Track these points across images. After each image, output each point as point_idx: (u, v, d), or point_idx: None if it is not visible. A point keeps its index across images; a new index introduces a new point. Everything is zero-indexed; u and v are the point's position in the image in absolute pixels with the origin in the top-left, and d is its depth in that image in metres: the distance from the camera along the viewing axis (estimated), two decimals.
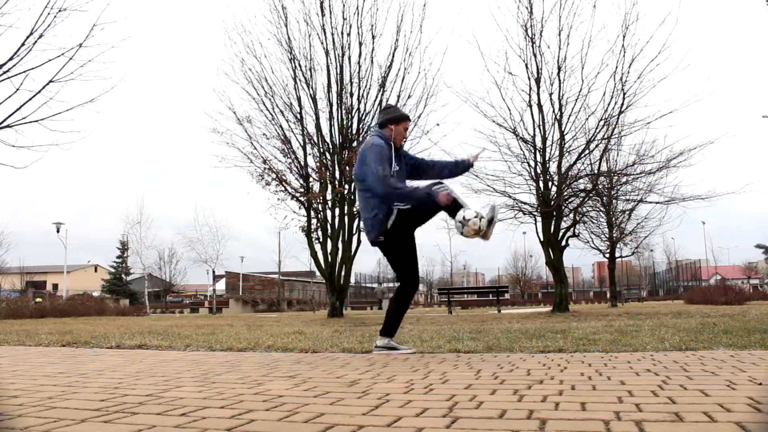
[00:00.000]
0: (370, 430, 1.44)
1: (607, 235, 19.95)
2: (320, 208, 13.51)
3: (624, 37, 11.63)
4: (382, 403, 1.82)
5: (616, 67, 11.71)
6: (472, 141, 22.21)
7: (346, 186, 13.42)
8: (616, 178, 14.70)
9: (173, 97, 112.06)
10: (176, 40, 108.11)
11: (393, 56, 13.43)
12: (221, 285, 44.57)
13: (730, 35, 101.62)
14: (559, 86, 12.20)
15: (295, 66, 13.39)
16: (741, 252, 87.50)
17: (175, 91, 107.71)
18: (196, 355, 3.74)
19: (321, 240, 13.52)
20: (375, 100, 13.55)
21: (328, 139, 13.53)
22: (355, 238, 13.72)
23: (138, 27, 70.13)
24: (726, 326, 4.95)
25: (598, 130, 12.17)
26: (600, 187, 14.01)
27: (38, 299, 23.66)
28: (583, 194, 13.33)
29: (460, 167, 3.97)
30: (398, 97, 13.45)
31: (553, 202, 12.26)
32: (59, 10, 8.89)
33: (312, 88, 13.47)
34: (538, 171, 12.41)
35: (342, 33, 13.26)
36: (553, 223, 12.71)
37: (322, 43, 13.33)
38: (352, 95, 13.47)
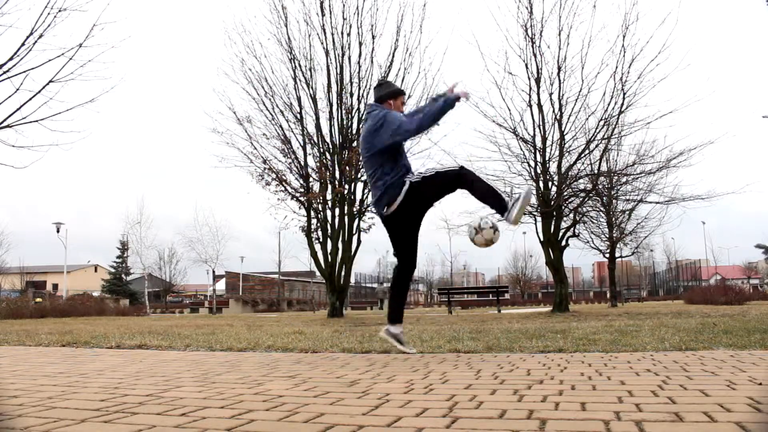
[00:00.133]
0: (370, 430, 1.44)
1: (607, 235, 19.95)
2: (320, 208, 13.51)
3: (624, 37, 11.64)
4: (382, 403, 1.82)
5: (616, 67, 11.73)
6: (472, 141, 22.19)
7: (346, 186, 13.42)
8: (616, 178, 14.70)
9: (173, 97, 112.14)
10: (176, 40, 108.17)
11: (393, 56, 13.44)
12: (221, 285, 44.57)
13: (730, 35, 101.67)
14: (559, 86, 12.21)
15: (295, 66, 13.40)
16: (741, 252, 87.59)
17: (175, 91, 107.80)
18: (196, 355, 3.74)
19: (321, 240, 13.52)
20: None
21: (328, 139, 13.53)
22: (355, 238, 13.72)
23: (138, 27, 70.16)
24: (726, 326, 4.95)
25: (598, 130, 12.17)
26: (600, 187, 14.02)
27: (38, 299, 23.65)
28: (583, 194, 13.33)
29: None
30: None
31: (553, 202, 12.26)
32: (59, 10, 8.90)
33: (312, 88, 13.48)
34: (538, 171, 12.41)
35: (342, 33, 13.26)
36: (553, 223, 12.71)
37: (322, 43, 13.35)
38: (352, 95, 13.47)
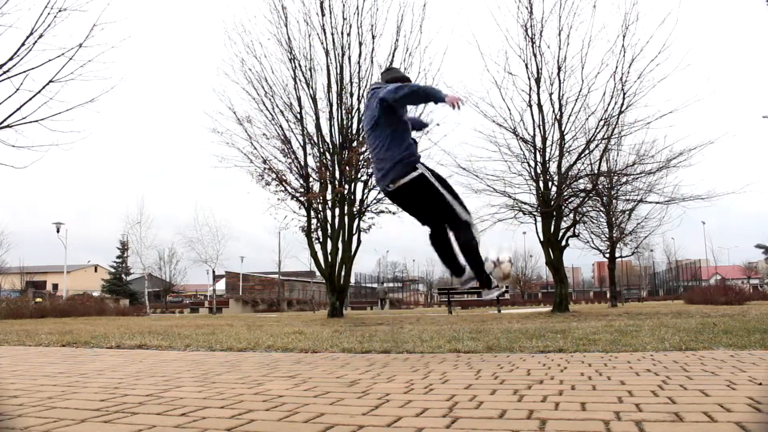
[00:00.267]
0: (370, 430, 1.44)
1: (607, 235, 19.94)
2: (320, 208, 13.51)
3: (624, 37, 11.63)
4: (382, 403, 1.82)
5: (616, 67, 11.72)
6: (472, 141, 22.18)
7: (346, 186, 13.42)
8: (616, 178, 14.70)
9: (173, 97, 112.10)
10: (176, 40, 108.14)
11: (393, 56, 13.44)
12: (221, 285, 44.58)
13: (730, 35, 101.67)
14: (559, 86, 12.20)
15: (295, 66, 13.40)
16: (741, 252, 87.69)
17: (175, 91, 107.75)
18: (196, 355, 3.74)
19: (321, 240, 13.52)
20: None
21: (328, 139, 13.53)
22: (355, 238, 13.72)
23: (138, 27, 70.17)
24: (726, 326, 4.95)
25: (598, 130, 12.17)
26: (600, 187, 14.01)
27: (38, 299, 23.66)
28: (583, 194, 13.33)
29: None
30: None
31: (553, 202, 12.26)
32: (59, 10, 8.90)
33: (312, 88, 13.48)
34: (538, 171, 12.41)
35: (342, 33, 13.27)
36: (553, 223, 12.71)
37: (322, 43, 13.35)
38: (352, 95, 13.48)
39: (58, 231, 30.45)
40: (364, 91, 13.44)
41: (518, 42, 12.57)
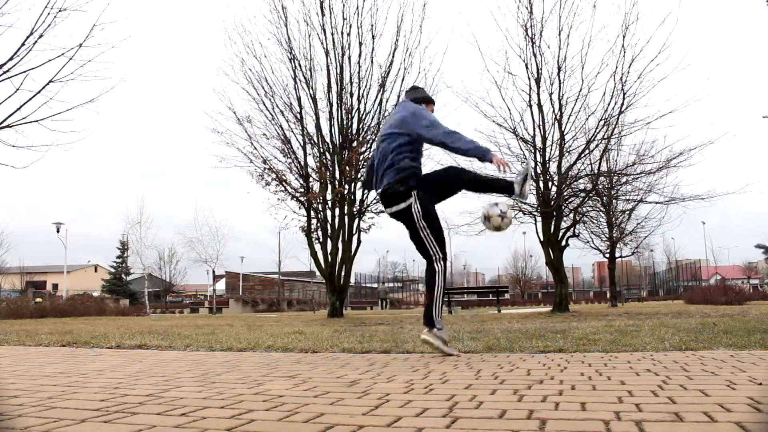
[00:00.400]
0: (370, 430, 1.44)
1: (607, 235, 19.94)
2: (320, 208, 13.51)
3: (624, 37, 11.62)
4: (382, 403, 1.82)
5: (616, 67, 11.72)
6: None
7: (346, 186, 13.42)
8: (616, 178, 14.70)
9: (173, 97, 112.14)
10: (176, 40, 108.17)
11: (393, 56, 13.44)
12: (221, 285, 44.57)
13: (730, 35, 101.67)
14: (559, 86, 12.20)
15: (295, 66, 13.40)
16: (741, 252, 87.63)
17: (175, 91, 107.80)
18: (196, 355, 3.74)
19: (321, 240, 13.52)
20: (375, 100, 13.56)
21: (328, 139, 13.53)
22: (355, 238, 13.72)
23: (138, 27, 70.16)
24: (726, 326, 4.95)
25: (598, 130, 12.17)
26: (600, 187, 14.01)
27: (38, 299, 23.65)
28: (583, 194, 13.33)
29: None
30: (398, 97, 13.45)
31: (553, 202, 12.25)
32: (59, 10, 8.90)
33: (312, 88, 13.47)
34: (538, 171, 12.40)
35: (342, 33, 13.26)
36: (553, 223, 12.70)
37: (322, 43, 13.34)
38: (352, 95, 13.47)
39: (58, 231, 30.47)
40: (364, 91, 13.46)
41: (518, 42, 12.59)
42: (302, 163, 13.51)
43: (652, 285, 51.76)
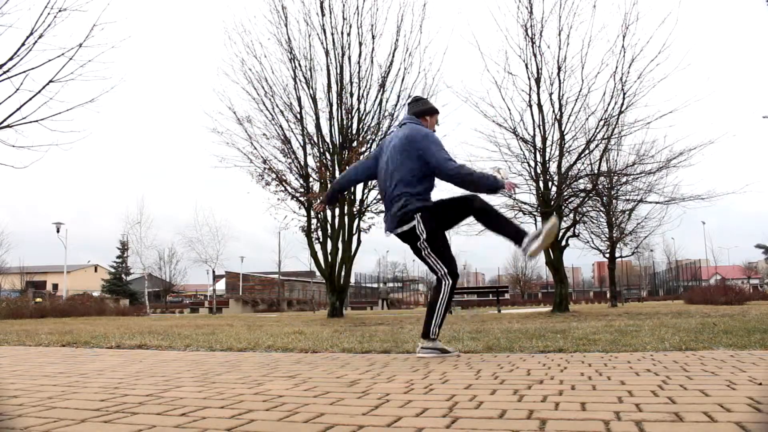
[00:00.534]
0: (370, 430, 1.44)
1: (607, 235, 19.95)
2: None
3: (624, 37, 11.63)
4: (382, 403, 1.82)
5: (616, 67, 11.72)
6: (472, 141, 22.21)
7: None
8: (616, 178, 14.70)
9: (173, 97, 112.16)
10: (176, 40, 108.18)
11: (393, 56, 13.45)
12: (221, 285, 44.56)
13: (730, 35, 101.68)
14: (559, 86, 12.21)
15: (295, 66, 13.40)
16: (741, 252, 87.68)
17: (175, 91, 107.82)
18: (196, 355, 3.74)
19: (321, 240, 13.52)
20: (375, 100, 13.57)
21: (328, 139, 13.53)
22: (355, 238, 13.72)
23: (138, 27, 70.15)
24: (726, 326, 4.95)
25: (598, 130, 12.17)
26: (600, 187, 14.02)
27: (38, 299, 23.65)
28: (583, 194, 13.33)
29: None
30: (398, 97, 13.47)
31: (553, 202, 12.25)
32: (59, 10, 8.91)
33: (312, 88, 13.48)
34: (538, 171, 12.41)
35: (342, 33, 13.26)
36: None
37: (322, 43, 13.35)
38: (352, 95, 13.47)
39: (58, 231, 30.45)
40: (364, 91, 13.46)
41: (518, 42, 12.59)
42: (302, 163, 13.51)
43: (652, 285, 51.77)
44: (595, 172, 13.34)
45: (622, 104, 11.78)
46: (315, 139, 13.52)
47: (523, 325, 6.64)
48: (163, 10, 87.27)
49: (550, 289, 42.66)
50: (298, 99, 13.42)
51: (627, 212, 19.39)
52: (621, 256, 23.38)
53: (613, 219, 19.40)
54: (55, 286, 49.39)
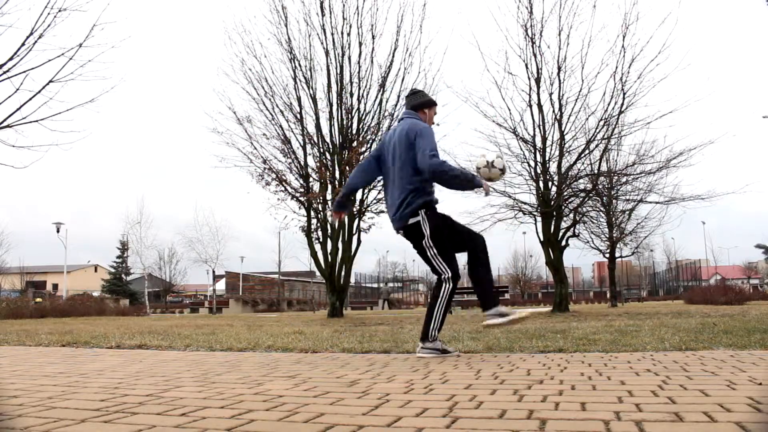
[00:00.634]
0: (370, 430, 1.44)
1: (607, 235, 19.95)
2: (320, 208, 13.51)
3: (624, 37, 11.64)
4: (382, 403, 1.82)
5: (616, 67, 11.73)
6: (472, 141, 22.22)
7: None
8: (616, 178, 14.70)
9: (173, 97, 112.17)
10: (176, 40, 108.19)
11: (393, 56, 13.46)
12: (221, 285, 44.57)
13: (730, 35, 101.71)
14: (559, 86, 12.21)
15: (295, 66, 13.40)
16: (741, 252, 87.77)
17: (175, 91, 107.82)
18: (196, 355, 3.74)
19: (321, 240, 13.52)
20: (375, 100, 13.58)
21: (328, 139, 13.53)
22: (355, 238, 13.72)
23: (138, 27, 70.18)
24: (726, 326, 4.95)
25: (598, 130, 12.18)
26: (600, 187, 14.01)
27: (38, 299, 23.66)
28: (583, 194, 13.33)
29: None
30: (398, 97, 13.47)
31: (553, 202, 12.25)
32: (59, 10, 8.91)
33: (312, 88, 13.48)
34: (538, 171, 12.41)
35: (342, 33, 13.27)
36: (553, 223, 12.71)
37: (322, 43, 13.35)
38: (352, 95, 13.48)
39: (58, 231, 30.47)
40: (364, 91, 13.46)
41: (518, 42, 12.60)
42: (302, 163, 13.52)
43: (652, 285, 51.78)
44: (595, 172, 13.33)
45: (622, 104, 11.79)
46: (315, 139, 13.52)
47: (523, 325, 6.64)
48: (163, 10, 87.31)
49: (550, 289, 42.67)
50: (298, 99, 13.43)
51: (627, 212, 19.39)
52: (621, 256, 23.38)
53: (613, 219, 19.40)
54: (55, 286, 49.40)
